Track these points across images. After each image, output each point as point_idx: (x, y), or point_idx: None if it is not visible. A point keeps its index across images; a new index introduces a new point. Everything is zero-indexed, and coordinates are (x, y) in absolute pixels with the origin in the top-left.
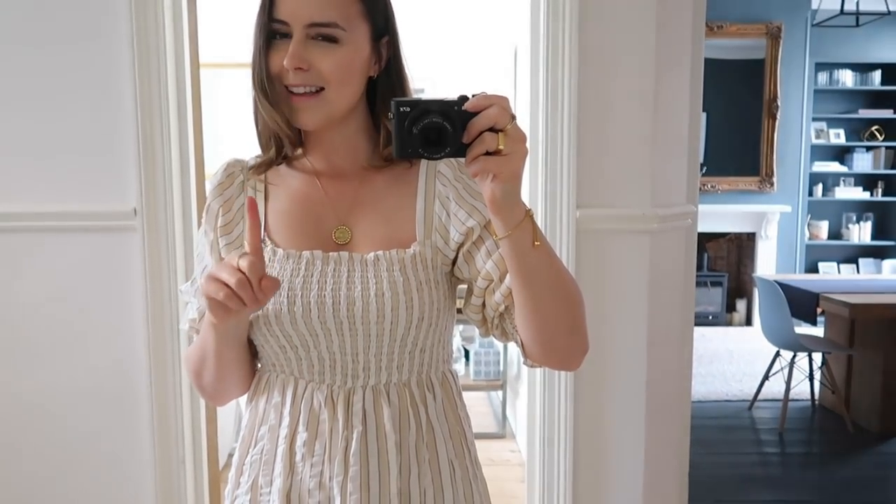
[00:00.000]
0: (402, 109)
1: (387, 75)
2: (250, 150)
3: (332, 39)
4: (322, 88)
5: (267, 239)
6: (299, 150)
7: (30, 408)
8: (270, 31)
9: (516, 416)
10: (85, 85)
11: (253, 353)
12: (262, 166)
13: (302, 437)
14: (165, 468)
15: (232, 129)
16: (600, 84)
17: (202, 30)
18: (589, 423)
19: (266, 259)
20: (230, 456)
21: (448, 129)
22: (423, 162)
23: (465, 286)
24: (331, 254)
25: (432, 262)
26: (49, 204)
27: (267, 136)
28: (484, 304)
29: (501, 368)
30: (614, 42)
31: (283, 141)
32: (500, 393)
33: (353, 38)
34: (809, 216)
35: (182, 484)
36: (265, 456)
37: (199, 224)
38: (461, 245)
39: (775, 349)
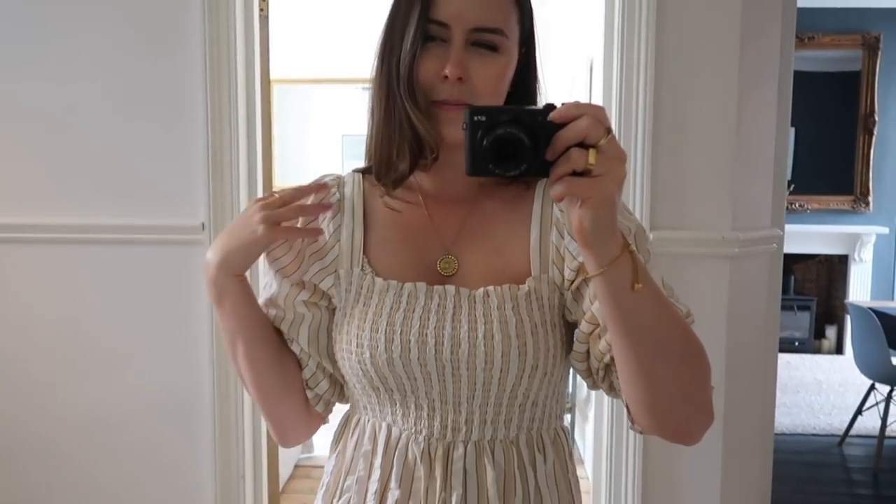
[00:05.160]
0: (475, 118)
1: (516, 88)
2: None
3: (492, 48)
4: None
5: (367, 265)
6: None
7: (93, 418)
8: (424, 35)
9: (585, 442)
10: (157, 103)
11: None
12: (396, 181)
13: (394, 494)
14: (226, 483)
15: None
16: (678, 98)
17: (292, 47)
18: (660, 455)
19: (364, 289)
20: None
21: (525, 143)
22: (541, 184)
23: None
24: (435, 287)
25: (549, 301)
26: (121, 217)
27: (397, 148)
28: (588, 353)
29: (571, 390)
30: (694, 54)
31: (422, 152)
32: (568, 416)
33: (510, 46)
34: None
35: (241, 499)
36: None
37: None
38: (572, 282)
39: (869, 381)
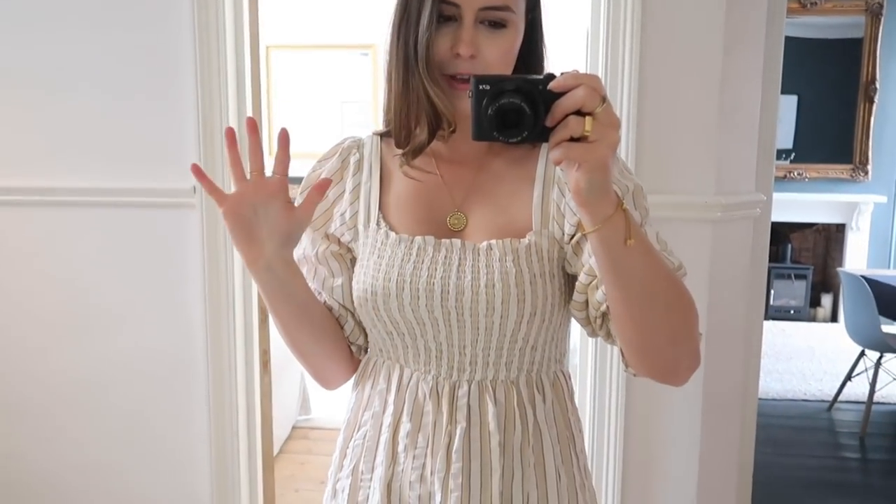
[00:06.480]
0: (480, 87)
1: (523, 53)
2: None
3: (500, 24)
4: None
5: (382, 221)
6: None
7: (87, 379)
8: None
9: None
10: (148, 67)
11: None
12: (415, 151)
13: (405, 427)
14: (219, 442)
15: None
16: (662, 63)
17: (292, 14)
18: (640, 418)
19: (379, 242)
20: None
21: (526, 111)
22: (545, 145)
23: None
24: (443, 240)
25: (548, 254)
26: (113, 180)
27: (416, 119)
28: (587, 303)
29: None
30: (679, 17)
31: (440, 125)
32: None
33: (517, 19)
34: None
35: (235, 457)
36: (368, 442)
37: None
38: (573, 236)
39: (860, 348)
